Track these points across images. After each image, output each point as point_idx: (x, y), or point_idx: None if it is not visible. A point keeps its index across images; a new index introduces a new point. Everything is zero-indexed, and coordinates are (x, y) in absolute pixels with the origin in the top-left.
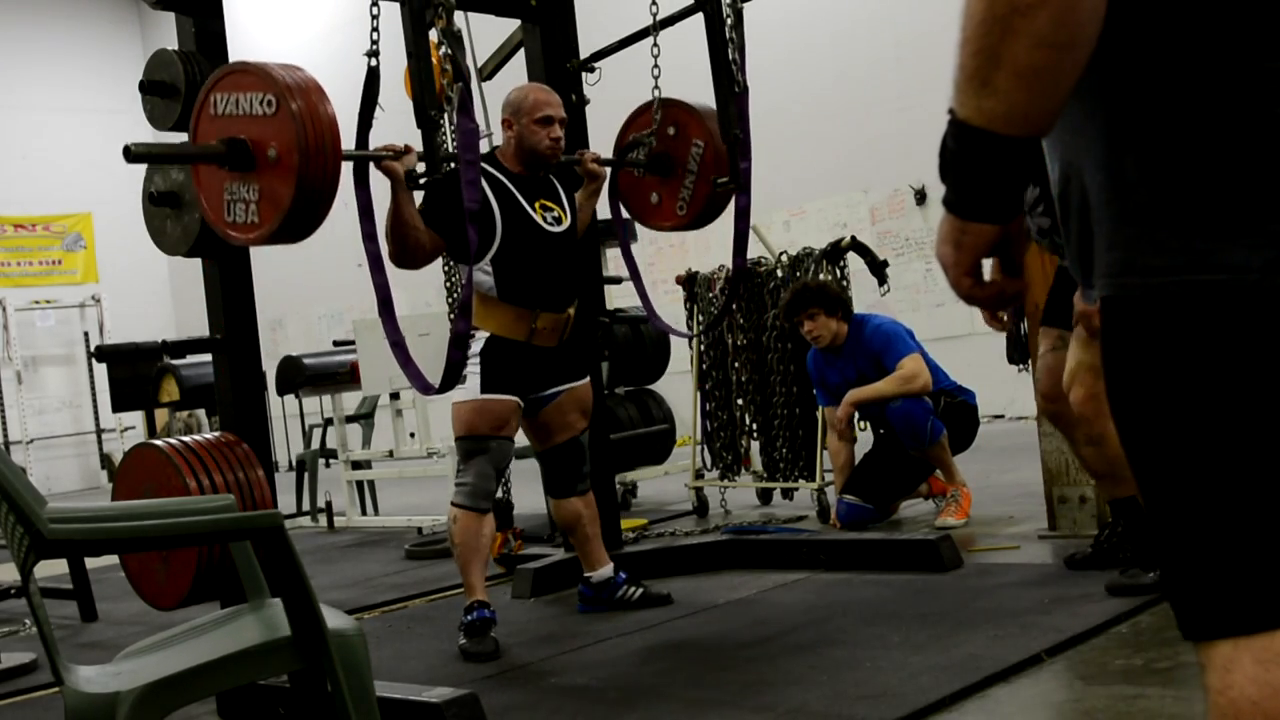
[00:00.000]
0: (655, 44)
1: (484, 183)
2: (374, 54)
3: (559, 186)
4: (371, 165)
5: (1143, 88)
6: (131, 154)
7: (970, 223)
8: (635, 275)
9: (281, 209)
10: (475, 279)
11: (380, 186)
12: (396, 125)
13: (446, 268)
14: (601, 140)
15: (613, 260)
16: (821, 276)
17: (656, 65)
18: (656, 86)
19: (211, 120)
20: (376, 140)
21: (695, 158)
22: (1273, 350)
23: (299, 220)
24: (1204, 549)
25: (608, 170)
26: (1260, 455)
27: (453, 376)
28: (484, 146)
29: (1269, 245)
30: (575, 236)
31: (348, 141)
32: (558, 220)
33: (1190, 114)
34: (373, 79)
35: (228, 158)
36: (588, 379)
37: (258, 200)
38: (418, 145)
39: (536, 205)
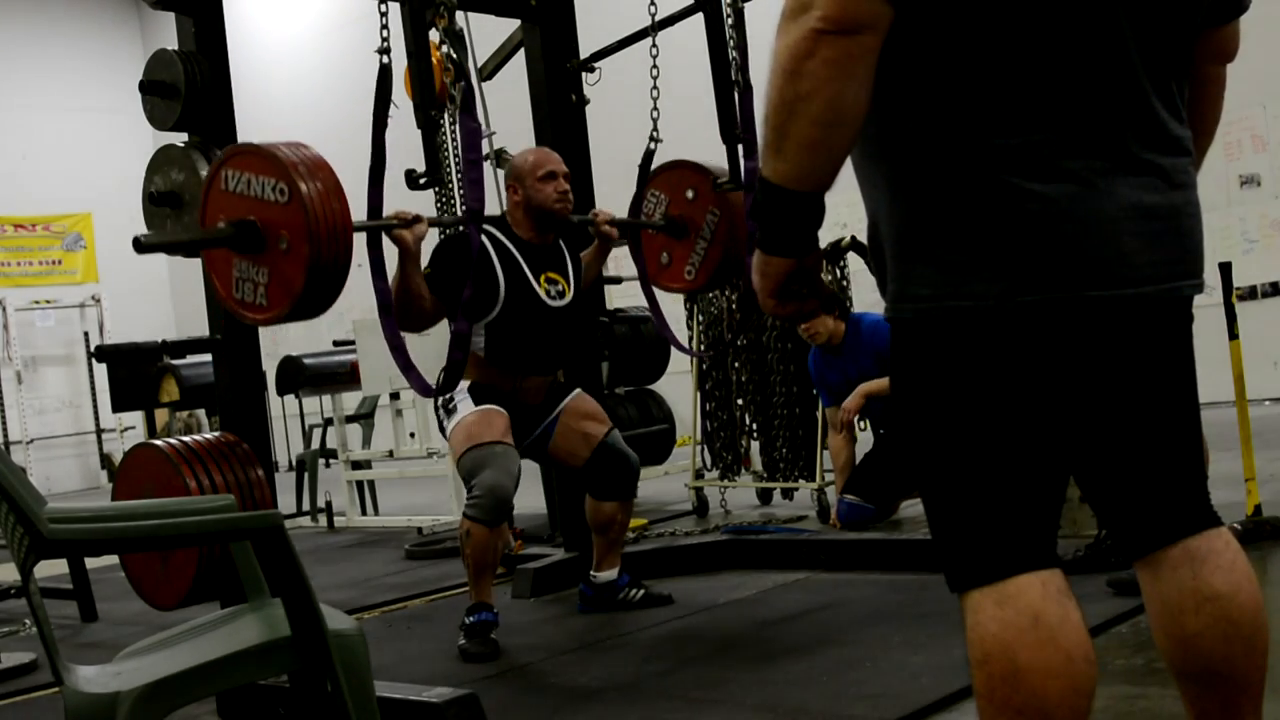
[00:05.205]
0: (654, 44)
1: (490, 248)
2: (385, 51)
3: (567, 255)
4: (383, 157)
5: (906, 157)
6: (141, 245)
7: (771, 256)
8: (650, 298)
9: (293, 294)
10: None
11: (389, 188)
12: (398, 125)
13: None
14: (600, 140)
15: (613, 260)
16: (822, 276)
17: (655, 66)
18: (655, 87)
19: (222, 195)
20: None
21: (710, 224)
22: (1007, 357)
23: (311, 304)
24: (958, 522)
25: (618, 232)
26: (994, 445)
27: (453, 377)
28: (484, 147)
29: (1001, 279)
30: (577, 309)
31: (349, 141)
32: (561, 294)
33: (939, 177)
34: (385, 77)
35: (236, 241)
36: (578, 390)
37: (267, 283)
38: (418, 145)
39: (542, 279)
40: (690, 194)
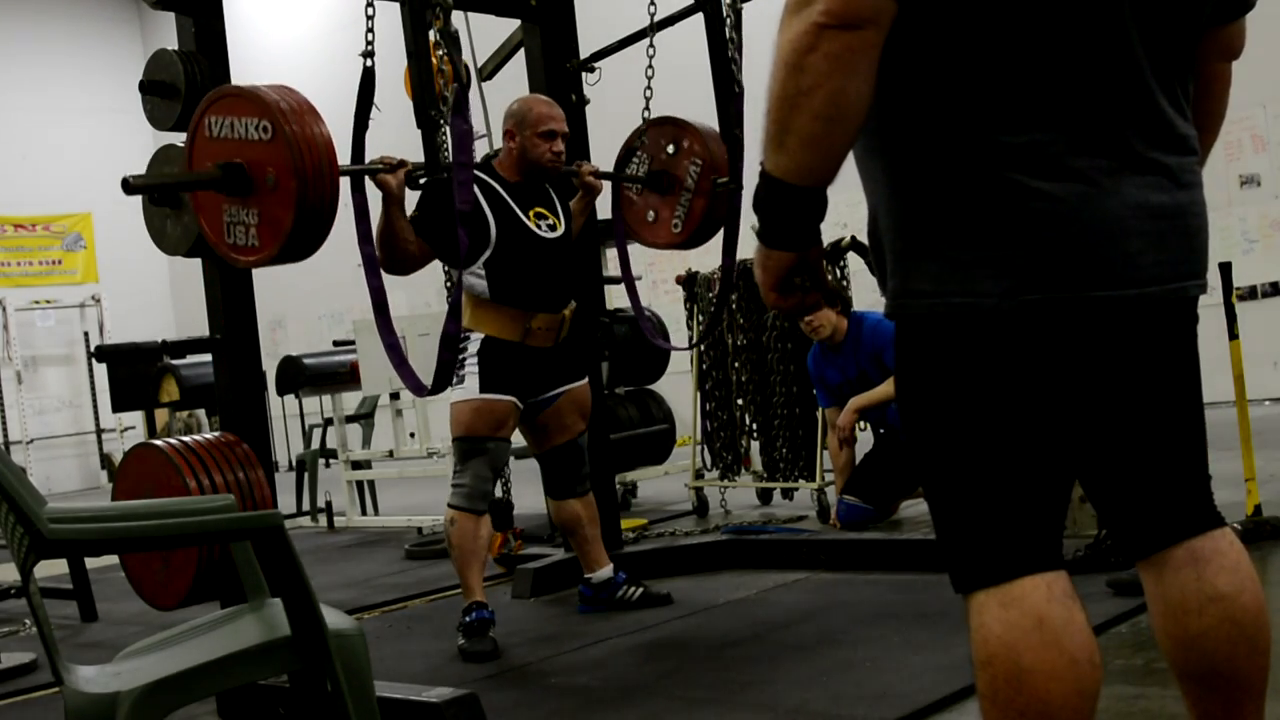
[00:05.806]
0: (651, 44)
1: (477, 190)
2: (369, 54)
3: (554, 194)
4: (363, 159)
5: (909, 152)
6: (130, 186)
7: (772, 250)
8: (631, 289)
9: (282, 233)
10: (468, 283)
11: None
12: (396, 125)
13: (446, 269)
14: (600, 140)
15: (613, 260)
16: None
17: (651, 66)
18: (649, 88)
19: (208, 142)
20: (372, 141)
21: (693, 176)
22: (1010, 356)
23: (300, 243)
24: (963, 523)
25: (604, 184)
26: (998, 445)
27: (443, 377)
28: (482, 147)
29: (1005, 277)
30: (570, 242)
31: (344, 139)
32: (552, 227)
33: (942, 174)
34: (368, 80)
35: (224, 183)
36: (586, 380)
37: (257, 224)
38: (418, 145)
39: (530, 213)
40: (670, 148)
